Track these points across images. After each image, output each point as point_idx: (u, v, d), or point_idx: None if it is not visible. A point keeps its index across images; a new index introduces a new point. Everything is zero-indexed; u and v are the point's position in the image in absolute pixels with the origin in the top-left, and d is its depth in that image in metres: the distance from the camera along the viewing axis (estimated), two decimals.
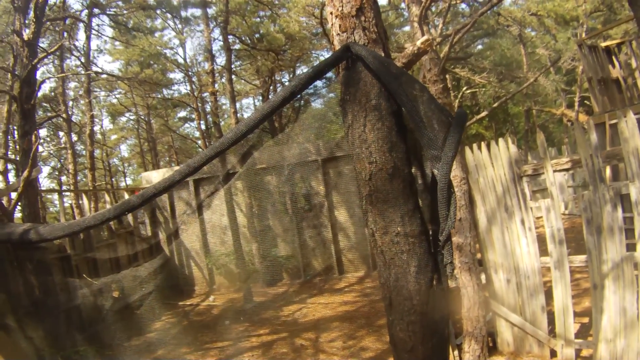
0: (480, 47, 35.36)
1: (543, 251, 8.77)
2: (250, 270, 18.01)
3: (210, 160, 3.76)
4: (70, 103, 32.42)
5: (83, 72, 26.77)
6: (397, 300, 3.67)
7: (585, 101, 32.47)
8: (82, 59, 27.25)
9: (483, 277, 9.97)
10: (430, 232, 3.64)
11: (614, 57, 13.36)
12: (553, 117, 38.28)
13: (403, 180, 3.53)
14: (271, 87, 31.89)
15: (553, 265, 8.50)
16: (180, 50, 39.01)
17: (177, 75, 36.45)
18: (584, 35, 25.16)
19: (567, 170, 9.11)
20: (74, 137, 31.15)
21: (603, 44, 13.73)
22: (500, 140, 9.32)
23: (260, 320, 14.23)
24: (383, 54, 3.65)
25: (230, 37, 24.60)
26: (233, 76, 24.51)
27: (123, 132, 40.15)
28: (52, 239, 6.58)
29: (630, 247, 7.70)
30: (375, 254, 3.82)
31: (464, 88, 30.91)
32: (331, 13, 3.85)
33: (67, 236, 11.51)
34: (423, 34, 9.90)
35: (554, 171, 8.63)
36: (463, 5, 31.48)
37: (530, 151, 32.32)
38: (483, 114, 12.83)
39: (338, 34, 3.79)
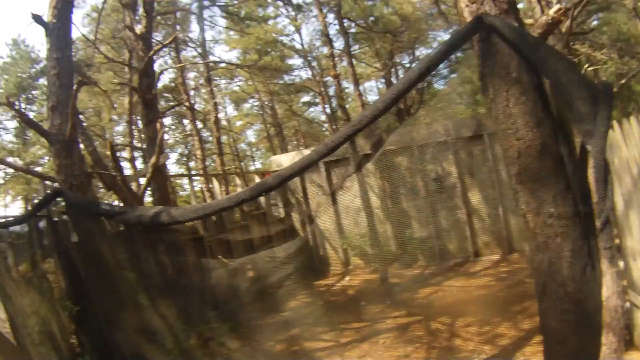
0: (595, 22, 33.51)
1: None
2: (385, 251, 18.02)
3: (349, 139, 3.79)
4: (192, 92, 33.47)
5: (201, 62, 27.64)
6: (551, 286, 3.59)
7: None
8: (199, 50, 28.19)
9: (622, 264, 9.52)
10: (582, 214, 3.51)
11: None
12: None
13: (553, 157, 3.39)
14: (392, 70, 31.55)
15: None
16: (296, 37, 39.29)
17: (296, 61, 36.71)
18: None
19: None
20: (199, 124, 32.18)
21: None
22: (632, 118, 8.80)
23: (396, 302, 14.08)
24: (516, 25, 3.57)
25: (345, 21, 24.60)
26: (353, 60, 24.50)
27: (248, 118, 40.97)
28: (184, 221, 6.87)
29: None
30: (527, 237, 3.72)
31: (586, 65, 29.37)
32: None
33: (200, 218, 11.89)
34: (542, 9, 9.59)
35: None
36: None
37: None
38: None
39: (467, 5, 3.73)
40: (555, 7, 3.54)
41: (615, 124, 8.97)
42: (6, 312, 8.48)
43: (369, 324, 12.25)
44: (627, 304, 9.15)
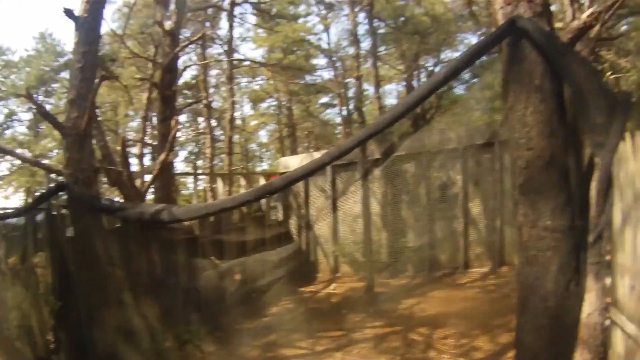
0: (625, 27, 33.18)
1: None
2: (375, 260, 17.85)
3: (363, 143, 3.66)
4: (212, 90, 33.52)
5: (225, 59, 27.68)
6: (532, 300, 3.57)
7: None
8: (225, 47, 28.22)
9: (609, 281, 9.29)
10: (577, 229, 3.42)
11: None
12: None
13: (559, 169, 3.31)
14: (415, 72, 31.44)
15: None
16: (324, 36, 39.27)
17: (320, 61, 36.64)
18: None
19: None
20: (214, 123, 32.21)
21: None
22: None
23: (378, 311, 14.09)
24: (548, 29, 3.43)
25: (375, 20, 24.55)
26: (377, 61, 24.44)
27: (263, 118, 40.78)
28: (186, 219, 6.77)
29: None
30: (518, 249, 3.61)
31: (608, 73, 28.96)
32: None
33: (202, 217, 11.94)
34: (574, 12, 9.40)
35: None
36: None
37: None
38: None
39: (502, 7, 3.60)
40: (588, 12, 3.41)
41: (627, 136, 8.71)
42: None
43: (347, 333, 12.32)
44: (607, 322, 8.96)
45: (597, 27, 9.95)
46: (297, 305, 15.40)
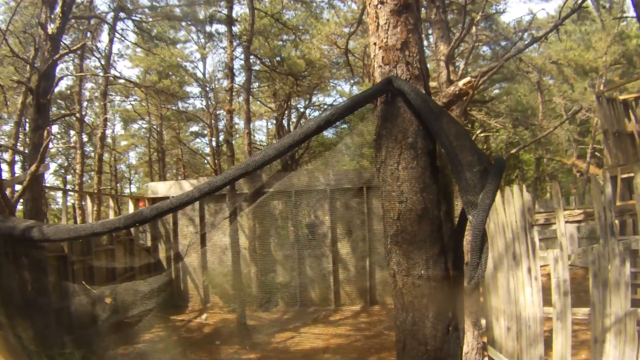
0: (497, 91, 35.40)
1: (545, 300, 8.62)
2: (245, 293, 17.81)
3: (234, 181, 3.66)
4: (86, 103, 32.40)
5: (102, 74, 26.93)
6: (412, 344, 3.58)
7: (597, 153, 32.33)
8: (102, 61, 27.45)
9: (483, 322, 9.81)
10: (451, 277, 3.55)
11: (630, 111, 13.34)
12: (563, 166, 38.17)
13: (432, 222, 3.44)
14: (286, 112, 31.84)
15: (555, 316, 8.30)
16: (200, 65, 39.06)
17: (194, 89, 36.51)
18: (602, 87, 25.18)
19: (579, 222, 9.00)
20: (85, 138, 31.13)
21: (621, 97, 13.72)
22: (515, 186, 9.17)
23: (252, 344, 14.03)
24: (424, 91, 3.58)
25: (251, 57, 24.66)
26: (250, 97, 24.54)
27: (134, 139, 39.97)
28: (55, 240, 6.45)
29: (635, 303, 7.54)
30: (394, 295, 3.70)
31: (478, 131, 30.81)
32: (374, 44, 3.78)
33: (72, 239, 11.41)
34: (449, 74, 9.87)
35: (566, 222, 8.49)
36: (485, 48, 31.68)
37: (538, 200, 32.07)
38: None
39: (380, 66, 3.71)
40: (465, 80, 3.56)
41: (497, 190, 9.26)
42: None
43: None
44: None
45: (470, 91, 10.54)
46: (169, 333, 15.24)
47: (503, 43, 28.84)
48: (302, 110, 33.69)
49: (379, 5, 3.77)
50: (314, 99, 33.79)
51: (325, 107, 33.43)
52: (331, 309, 17.92)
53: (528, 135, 29.71)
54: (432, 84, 12.69)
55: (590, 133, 32.82)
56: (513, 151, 15.87)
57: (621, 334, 7.41)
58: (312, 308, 17.99)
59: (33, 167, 10.17)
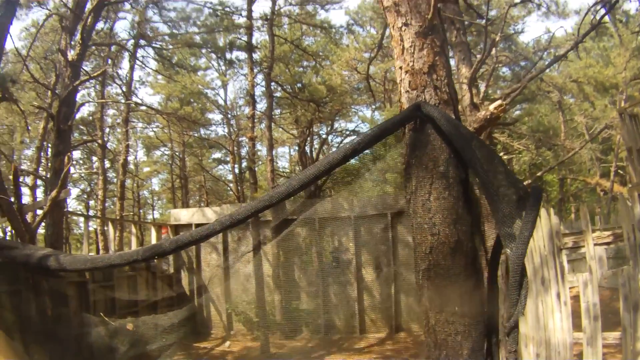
0: (518, 112, 35.16)
1: (574, 324, 8.34)
2: (269, 321, 17.62)
3: (257, 214, 3.52)
4: (108, 130, 32.72)
5: (123, 100, 27.14)
6: None
7: (619, 171, 31.82)
8: (124, 88, 27.65)
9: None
10: (487, 313, 3.38)
11: None
12: (587, 186, 37.63)
13: (466, 255, 3.27)
14: (308, 138, 31.75)
15: (586, 342, 7.99)
16: (221, 92, 39.16)
17: (215, 116, 36.64)
18: (622, 103, 24.85)
19: (607, 244, 8.71)
20: (107, 164, 31.36)
21: None
22: (542, 209, 8.90)
23: None
24: (454, 117, 3.42)
25: (272, 83, 24.69)
26: (272, 123, 24.53)
27: (156, 166, 40.13)
28: (72, 270, 6.38)
29: None
30: (425, 332, 3.52)
31: (501, 153, 30.54)
32: (400, 68, 3.63)
33: (89, 270, 11.37)
34: (472, 97, 9.71)
35: (595, 244, 8.23)
36: (504, 69, 31.52)
37: (563, 221, 31.58)
38: (526, 182, 12.42)
39: (407, 91, 3.56)
40: (496, 103, 3.39)
41: None
42: None
43: None
44: None
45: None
46: None
47: (523, 63, 28.63)
48: (324, 136, 33.59)
49: (404, 28, 3.62)
50: (336, 125, 33.74)
51: (348, 133, 33.40)
52: (356, 336, 17.64)
53: (551, 156, 29.42)
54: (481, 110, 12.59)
55: (613, 151, 32.32)
56: (539, 174, 15.55)
57: None
58: (336, 336, 17.73)
59: (54, 193, 10.19)
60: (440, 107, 3.44)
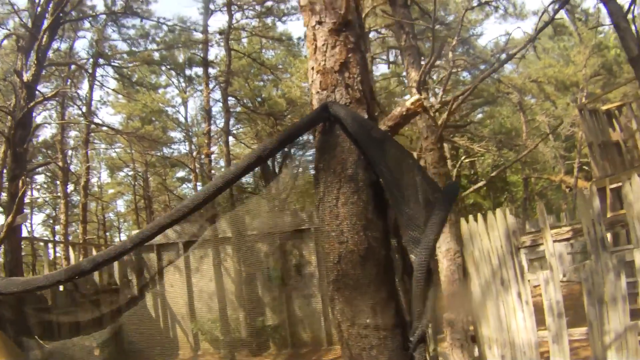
0: (480, 115, 35.44)
1: (539, 321, 8.24)
2: (235, 338, 17.43)
3: (163, 230, 3.32)
4: (70, 152, 32.23)
5: (83, 121, 26.75)
6: None
7: (584, 167, 32.18)
8: (84, 109, 27.25)
9: (476, 351, 9.45)
10: (406, 324, 3.18)
11: (614, 120, 13.23)
12: (552, 184, 38.08)
13: (377, 264, 3.04)
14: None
15: (551, 339, 7.97)
16: (182, 109, 38.98)
17: (177, 134, 36.35)
18: (584, 100, 25.16)
19: (567, 240, 8.69)
20: (71, 187, 30.94)
21: (603, 108, 13.64)
22: (498, 210, 8.89)
23: None
24: (367, 116, 3.24)
25: (231, 99, 24.54)
26: (232, 139, 24.35)
27: (121, 187, 39.79)
28: (6, 293, 6.17)
29: (634, 313, 7.30)
30: (341, 347, 3.32)
31: (463, 157, 30.71)
32: (312, 68, 3.43)
33: (22, 293, 11.06)
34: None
35: (554, 241, 8.17)
36: (465, 74, 31.72)
37: (529, 220, 31.77)
38: (480, 184, 12.43)
39: (318, 92, 3.36)
40: (413, 98, 3.18)
41: (479, 215, 9.04)
42: None
43: None
44: None
45: (444, 115, 10.31)
46: None
47: (482, 67, 28.82)
48: (286, 151, 33.57)
49: (317, 26, 3.43)
50: (300, 138, 33.68)
51: (310, 144, 33.41)
52: (324, 348, 17.50)
53: (514, 157, 29.63)
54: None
55: (576, 147, 32.68)
56: (493, 174, 15.56)
57: (623, 349, 7.16)
58: (304, 349, 17.60)
59: (9, 218, 10.03)
60: (352, 107, 3.23)
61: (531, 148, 18.52)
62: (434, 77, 24.54)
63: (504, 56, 25.14)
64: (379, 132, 3.03)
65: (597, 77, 32.66)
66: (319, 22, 3.44)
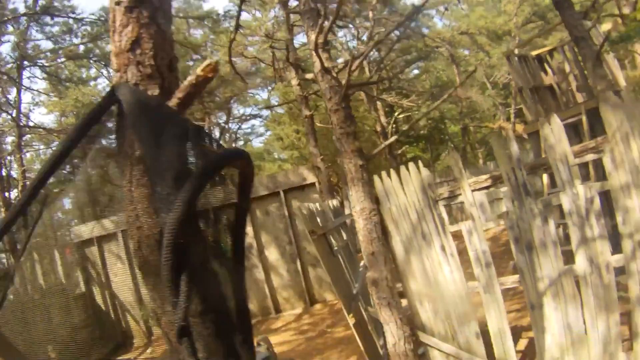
0: (416, 71, 35.61)
1: (471, 274, 8.29)
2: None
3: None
4: (9, 158, 31.50)
5: (14, 125, 26.20)
6: None
7: (522, 113, 32.78)
8: (14, 113, 26.65)
9: (406, 308, 9.50)
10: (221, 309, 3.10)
11: (546, 65, 13.39)
12: (491, 131, 38.62)
13: (175, 247, 2.95)
14: (210, 128, 31.52)
15: (482, 290, 7.93)
16: None
17: None
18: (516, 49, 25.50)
19: (487, 188, 8.64)
20: (16, 193, 30.29)
21: (534, 53, 13.79)
22: (410, 164, 8.88)
23: None
24: (158, 91, 3.16)
25: None
26: None
27: (64, 185, 39.03)
28: None
29: (567, 254, 7.23)
30: (163, 335, 3.25)
31: (397, 112, 30.84)
32: (112, 52, 3.36)
33: None
34: (322, 63, 9.54)
35: (473, 190, 8.14)
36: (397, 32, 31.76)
37: (470, 167, 32.17)
38: (392, 139, 12.36)
39: (114, 74, 3.31)
40: (204, 64, 3.05)
41: (392, 172, 9.02)
42: None
43: None
44: (422, 349, 9.13)
45: (346, 75, 10.23)
46: None
47: (413, 24, 28.87)
48: (223, 125, 33.44)
49: (115, 7, 3.33)
50: (235, 111, 33.48)
51: (246, 117, 33.32)
52: (272, 317, 17.60)
53: (454, 108, 29.91)
54: (309, 75, 12.41)
55: (511, 94, 33.15)
56: (405, 127, 15.57)
57: (559, 295, 7.12)
58: (253, 320, 17.65)
59: None
60: (142, 85, 3.13)
61: (442, 99, 18.53)
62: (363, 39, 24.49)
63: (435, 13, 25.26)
64: (158, 107, 2.95)
65: (531, 25, 33.02)
66: (117, 3, 3.33)
